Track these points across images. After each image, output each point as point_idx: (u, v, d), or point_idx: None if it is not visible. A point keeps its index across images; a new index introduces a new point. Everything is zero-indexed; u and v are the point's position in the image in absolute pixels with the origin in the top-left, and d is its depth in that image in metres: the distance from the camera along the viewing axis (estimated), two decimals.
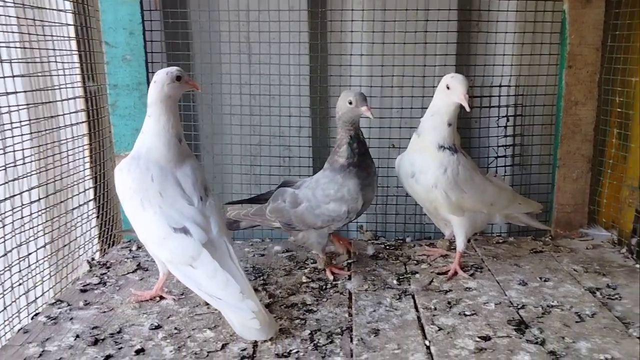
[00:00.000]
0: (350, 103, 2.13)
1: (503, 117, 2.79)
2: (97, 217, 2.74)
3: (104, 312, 2.03)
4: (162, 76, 1.92)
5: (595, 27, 2.58)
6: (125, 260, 2.50)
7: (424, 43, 2.76)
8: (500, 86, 2.76)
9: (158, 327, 1.91)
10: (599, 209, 2.74)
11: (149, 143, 1.93)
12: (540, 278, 2.26)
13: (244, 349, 1.76)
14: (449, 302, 2.06)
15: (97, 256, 2.69)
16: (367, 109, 2.10)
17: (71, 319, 1.97)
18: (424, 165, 2.27)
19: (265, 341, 1.79)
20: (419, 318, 1.96)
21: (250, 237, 2.85)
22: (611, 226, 2.69)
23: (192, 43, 2.85)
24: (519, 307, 2.02)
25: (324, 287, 2.23)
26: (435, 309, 2.02)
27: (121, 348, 1.78)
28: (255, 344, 1.79)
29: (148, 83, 2.63)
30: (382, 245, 2.70)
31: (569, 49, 2.60)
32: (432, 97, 2.31)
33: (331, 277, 2.30)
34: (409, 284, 2.23)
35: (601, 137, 2.70)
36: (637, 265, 2.38)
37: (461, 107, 2.20)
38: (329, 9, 2.80)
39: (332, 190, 2.19)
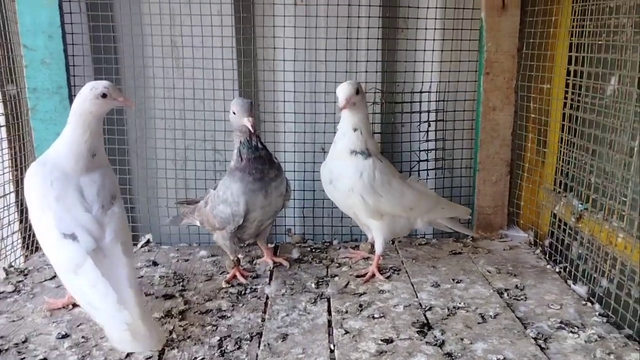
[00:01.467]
0: (234, 113, 2.16)
1: (425, 122, 2.85)
2: (20, 222, 2.69)
3: (13, 321, 2.00)
4: (85, 91, 1.91)
5: (511, 35, 2.66)
6: (45, 267, 2.47)
7: (350, 50, 2.80)
8: (421, 92, 2.82)
9: (65, 336, 1.90)
10: (518, 211, 2.84)
11: (60, 150, 1.92)
12: (453, 280, 2.33)
13: (149, 357, 1.77)
14: (360, 305, 2.10)
15: (17, 263, 2.64)
16: (248, 121, 2.11)
17: None
18: (340, 171, 2.31)
19: (171, 348, 1.80)
20: (329, 322, 2.00)
21: (177, 241, 2.84)
22: (529, 228, 2.78)
23: (118, 47, 2.83)
24: (426, 309, 2.08)
25: (243, 292, 2.25)
26: (346, 312, 2.06)
27: (23, 358, 1.76)
28: (161, 352, 1.79)
29: (69, 87, 2.62)
30: (308, 249, 2.73)
31: (486, 56, 2.68)
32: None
33: (243, 280, 2.33)
34: (327, 287, 2.27)
35: (519, 142, 2.79)
36: (548, 266, 2.48)
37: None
38: (256, 15, 2.81)
39: (221, 191, 2.25)
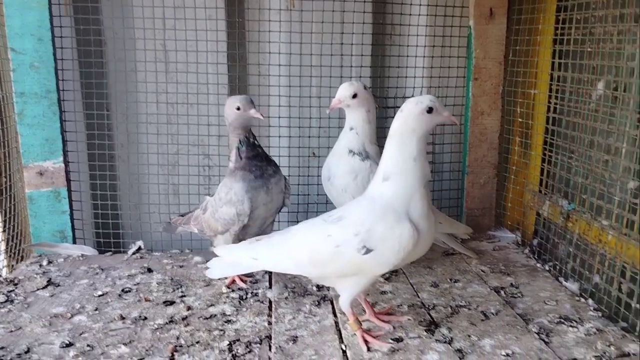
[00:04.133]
0: (238, 109, 2.18)
1: None
2: (4, 231, 2.60)
3: (11, 331, 1.93)
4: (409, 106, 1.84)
5: (498, 42, 2.76)
6: (35, 276, 2.39)
7: (342, 55, 2.85)
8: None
9: (70, 344, 1.84)
10: (505, 213, 2.92)
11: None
12: (451, 279, 2.39)
13: None
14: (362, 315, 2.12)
15: (4, 272, 2.55)
16: (256, 111, 2.17)
17: None
18: (338, 169, 2.36)
19: (181, 354, 1.78)
20: (336, 323, 2.01)
21: (169, 248, 2.80)
22: (516, 228, 2.87)
23: (106, 50, 2.78)
24: (430, 308, 2.12)
25: (245, 296, 2.24)
26: None
27: None
28: (171, 358, 1.77)
29: (58, 91, 2.56)
30: None
31: (474, 63, 2.77)
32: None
33: (243, 285, 2.32)
34: (328, 290, 2.28)
35: (505, 145, 2.88)
36: (538, 265, 2.56)
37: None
38: (247, 20, 2.82)
39: (223, 193, 2.25)
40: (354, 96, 2.27)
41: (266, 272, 2.47)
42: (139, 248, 2.71)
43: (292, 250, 1.86)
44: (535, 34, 2.64)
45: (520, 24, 2.72)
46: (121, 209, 2.90)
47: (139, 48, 2.79)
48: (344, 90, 2.27)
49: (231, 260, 1.97)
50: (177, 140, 2.86)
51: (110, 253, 2.72)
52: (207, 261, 2.54)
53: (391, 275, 2.44)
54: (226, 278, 2.37)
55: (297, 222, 2.89)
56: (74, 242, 2.71)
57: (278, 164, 2.83)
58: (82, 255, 2.65)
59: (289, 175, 2.89)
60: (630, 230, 2.09)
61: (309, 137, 2.93)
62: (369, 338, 1.85)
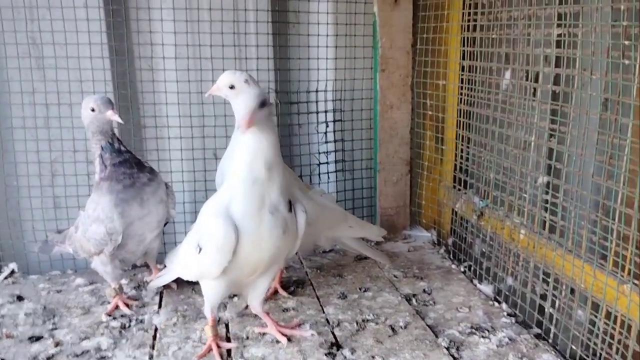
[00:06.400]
0: (93, 110, 1.91)
1: (322, 122, 2.71)
2: None
3: None
4: None
5: (405, 30, 2.59)
6: None
7: (239, 46, 2.59)
8: (317, 91, 2.68)
9: None
10: (420, 211, 2.78)
11: None
12: (360, 288, 2.21)
13: None
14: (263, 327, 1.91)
15: None
16: (113, 113, 1.90)
17: None
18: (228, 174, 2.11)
19: None
20: (228, 352, 1.78)
21: (48, 269, 2.47)
22: (431, 227, 2.74)
23: None
24: (334, 325, 1.93)
25: (127, 325, 1.97)
26: (247, 338, 1.86)
27: None
28: None
29: None
30: None
31: (381, 52, 2.59)
32: None
33: (127, 311, 2.05)
34: (224, 311, 2.04)
35: (417, 140, 2.73)
36: (453, 266, 2.43)
37: None
38: (129, 7, 2.51)
39: (91, 209, 1.97)
40: (232, 87, 2.00)
41: (156, 293, 2.20)
42: (12, 272, 2.38)
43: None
44: (442, 20, 2.49)
45: (427, 10, 2.56)
46: None
47: (8, 42, 2.42)
48: (223, 79, 2.01)
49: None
50: (54, 147, 2.51)
51: None
52: (90, 283, 2.30)
53: (297, 288, 2.23)
54: (108, 303, 2.10)
55: None
56: None
57: (173, 168, 2.60)
58: None
59: (186, 181, 2.63)
60: (542, 228, 1.97)
61: (214, 137, 2.65)
62: (214, 347, 1.77)
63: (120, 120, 1.92)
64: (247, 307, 2.06)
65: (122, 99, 2.52)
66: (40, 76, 2.48)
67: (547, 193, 1.94)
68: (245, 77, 2.00)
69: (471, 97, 2.38)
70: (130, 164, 1.96)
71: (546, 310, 1.90)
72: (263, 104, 1.54)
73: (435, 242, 2.68)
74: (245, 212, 1.60)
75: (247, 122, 1.50)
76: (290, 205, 1.67)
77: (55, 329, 1.94)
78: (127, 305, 2.08)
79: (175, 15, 2.49)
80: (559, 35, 1.85)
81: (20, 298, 2.17)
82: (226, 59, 2.56)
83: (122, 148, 1.98)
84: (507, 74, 2.13)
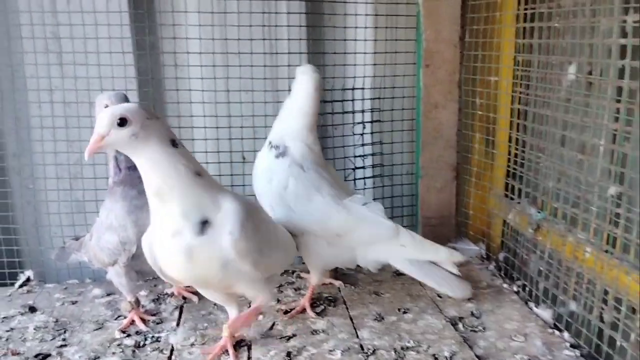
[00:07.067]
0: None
1: (359, 123, 2.50)
2: None
3: None
4: None
5: (452, 21, 2.36)
6: None
7: (269, 39, 2.42)
8: (354, 89, 2.48)
9: None
10: (467, 221, 2.53)
11: None
12: (399, 309, 1.98)
13: None
14: (288, 354, 1.70)
15: None
16: None
17: None
18: (256, 167, 2.00)
19: None
20: None
21: (66, 278, 2.33)
22: (480, 239, 2.48)
23: None
24: (369, 353, 1.70)
25: (142, 343, 1.79)
26: None
27: None
28: None
29: None
30: None
31: (425, 46, 2.36)
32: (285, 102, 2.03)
33: (143, 327, 1.87)
34: (247, 330, 1.84)
35: (465, 143, 2.48)
36: (505, 285, 2.17)
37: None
38: None
39: (104, 216, 1.82)
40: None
41: (176, 307, 2.02)
42: (28, 279, 2.25)
43: None
44: (494, 10, 2.25)
45: None
46: (16, 232, 2.41)
47: (26, 36, 2.31)
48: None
49: None
50: (79, 148, 2.38)
51: None
52: (108, 294, 2.14)
53: (327, 307, 2.01)
54: (124, 317, 1.93)
55: None
56: None
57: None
58: None
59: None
60: (612, 246, 1.70)
61: (242, 138, 2.47)
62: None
63: None
64: (272, 326, 1.87)
65: (144, 98, 2.37)
66: (62, 72, 2.36)
67: (618, 206, 1.66)
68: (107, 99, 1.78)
69: (527, 95, 2.13)
70: None
71: (617, 342, 1.62)
72: (122, 122, 1.37)
73: (484, 256, 2.42)
74: (155, 235, 1.54)
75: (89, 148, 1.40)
76: (205, 226, 1.47)
77: (65, 345, 1.78)
78: (143, 320, 1.91)
79: (200, 6, 2.32)
80: (636, 21, 1.58)
81: (32, 309, 2.04)
82: (254, 54, 2.39)
83: None
84: (571, 69, 1.87)
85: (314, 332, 1.84)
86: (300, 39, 2.42)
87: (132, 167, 1.77)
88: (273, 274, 1.80)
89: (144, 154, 1.42)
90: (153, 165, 1.44)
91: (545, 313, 1.92)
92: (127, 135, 1.38)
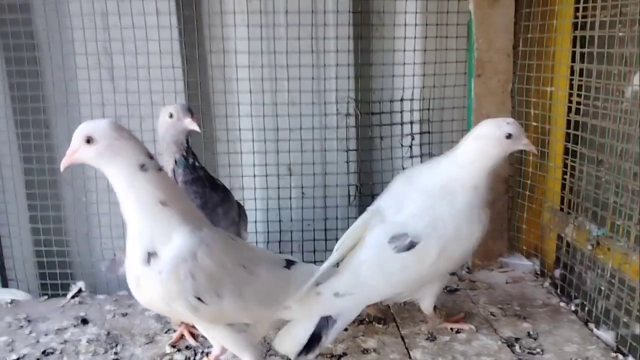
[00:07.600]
0: (171, 116, 1.80)
1: (407, 135, 2.45)
2: None
3: None
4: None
5: (505, 30, 2.28)
6: None
7: (317, 52, 2.39)
8: (402, 100, 2.42)
9: None
10: (519, 235, 2.44)
11: None
12: (452, 329, 1.91)
13: None
14: None
15: None
16: (192, 121, 1.80)
17: None
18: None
19: None
20: None
21: (116, 289, 2.36)
22: (533, 255, 2.39)
23: (40, 56, 2.35)
24: None
25: (192, 358, 1.80)
26: None
27: None
28: None
29: None
30: None
31: (476, 55, 2.29)
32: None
33: (193, 342, 1.88)
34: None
35: (518, 155, 2.39)
36: (562, 304, 2.08)
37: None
38: (203, 12, 2.37)
39: None
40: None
41: None
42: (80, 290, 2.29)
43: None
44: (550, 18, 2.16)
45: (532, 6, 2.24)
46: (67, 244, 2.46)
47: (79, 52, 2.36)
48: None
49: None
50: None
51: (47, 297, 2.30)
52: None
53: (377, 325, 1.97)
54: (174, 331, 1.94)
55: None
56: (4, 285, 2.30)
57: (245, 185, 2.43)
58: (12, 302, 2.24)
59: (259, 199, 2.45)
60: None
61: (289, 151, 2.46)
62: None
63: (198, 129, 1.81)
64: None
65: (194, 111, 2.38)
66: (113, 87, 2.40)
67: None
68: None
69: (585, 106, 2.04)
70: (203, 182, 1.84)
71: None
72: (88, 140, 1.36)
73: (539, 272, 2.33)
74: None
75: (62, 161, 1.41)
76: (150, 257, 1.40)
77: (117, 359, 1.80)
78: (192, 335, 1.91)
79: (249, 20, 2.32)
80: None
81: (85, 321, 2.06)
82: (303, 66, 2.37)
83: (197, 164, 1.87)
84: (636, 79, 1.78)
85: (365, 351, 1.80)
86: (349, 51, 2.38)
87: (189, 182, 1.80)
88: (244, 324, 1.58)
89: (109, 173, 1.40)
90: (116, 185, 1.41)
91: (607, 335, 1.83)
92: (93, 153, 1.37)
